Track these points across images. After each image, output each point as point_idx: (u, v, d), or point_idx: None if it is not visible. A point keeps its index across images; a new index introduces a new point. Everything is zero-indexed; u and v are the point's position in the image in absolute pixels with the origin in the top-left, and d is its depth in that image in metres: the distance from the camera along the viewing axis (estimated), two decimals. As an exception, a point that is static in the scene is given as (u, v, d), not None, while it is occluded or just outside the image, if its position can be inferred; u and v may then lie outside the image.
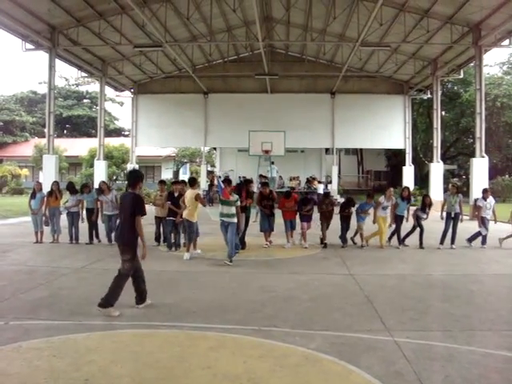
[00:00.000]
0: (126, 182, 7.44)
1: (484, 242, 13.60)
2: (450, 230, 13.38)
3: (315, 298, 7.72)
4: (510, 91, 37.99)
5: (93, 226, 13.58)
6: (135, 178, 7.24)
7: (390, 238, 13.84)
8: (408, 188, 14.42)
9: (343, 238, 13.71)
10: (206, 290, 8.12)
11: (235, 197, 11.00)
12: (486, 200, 13.91)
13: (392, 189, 14.14)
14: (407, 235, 13.76)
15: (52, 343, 5.45)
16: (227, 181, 11.39)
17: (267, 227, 13.33)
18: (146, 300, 7.11)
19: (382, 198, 13.68)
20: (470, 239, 13.77)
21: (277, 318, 6.54)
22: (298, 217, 13.59)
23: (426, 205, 13.63)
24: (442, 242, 13.43)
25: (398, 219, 13.55)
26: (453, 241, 13.37)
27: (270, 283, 8.78)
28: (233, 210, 10.81)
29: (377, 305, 7.25)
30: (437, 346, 5.54)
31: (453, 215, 13.41)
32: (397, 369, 4.86)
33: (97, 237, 13.68)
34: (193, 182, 11.93)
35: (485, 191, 14.28)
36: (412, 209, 13.89)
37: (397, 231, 13.62)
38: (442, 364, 4.98)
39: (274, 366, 4.92)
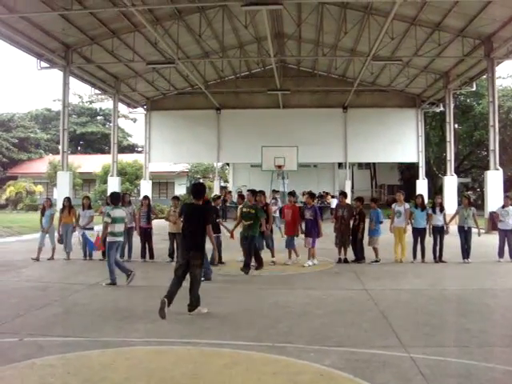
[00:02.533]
0: (191, 195, 8.16)
1: (501, 254, 13.35)
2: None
3: (330, 314, 7.65)
4: (523, 103, 37.78)
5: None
6: (200, 190, 8.07)
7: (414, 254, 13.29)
8: (421, 195, 14.02)
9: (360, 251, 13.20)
10: (219, 306, 8.08)
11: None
12: (503, 208, 13.65)
13: (401, 192, 13.77)
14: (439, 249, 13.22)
15: (66, 360, 5.44)
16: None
17: (261, 246, 12.80)
18: (197, 307, 7.54)
19: (393, 205, 13.55)
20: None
21: (291, 334, 6.49)
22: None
23: (436, 204, 13.40)
24: (463, 257, 13.16)
25: (416, 232, 13.20)
26: (468, 255, 13.12)
27: (284, 299, 8.72)
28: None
29: (392, 320, 7.16)
30: (454, 362, 5.43)
31: (466, 228, 13.19)
32: (413, 386, 4.78)
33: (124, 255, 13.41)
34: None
35: (505, 198, 14.08)
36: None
37: (418, 245, 13.15)
38: (459, 381, 4.88)
39: (288, 382, 4.86)
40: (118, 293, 9.28)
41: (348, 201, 14.63)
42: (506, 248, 13.32)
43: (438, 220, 13.23)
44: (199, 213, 7.76)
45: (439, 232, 13.13)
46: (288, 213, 12.97)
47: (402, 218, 13.16)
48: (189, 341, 6.20)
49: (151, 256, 13.33)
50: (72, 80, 26.44)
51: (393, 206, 13.62)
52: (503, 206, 13.74)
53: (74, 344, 6.03)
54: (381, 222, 13.26)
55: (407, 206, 13.30)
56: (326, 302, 8.56)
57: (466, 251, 13.17)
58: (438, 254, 13.11)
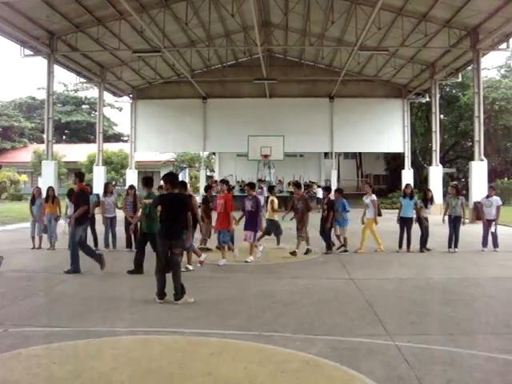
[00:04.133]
0: (166, 184, 8.17)
1: (484, 244, 13.52)
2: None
3: (316, 303, 7.69)
4: (508, 94, 38.08)
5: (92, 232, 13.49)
6: (175, 179, 8.36)
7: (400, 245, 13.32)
8: (409, 185, 14.10)
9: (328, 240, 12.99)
10: (205, 295, 8.08)
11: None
12: (487, 198, 13.82)
13: (369, 183, 13.84)
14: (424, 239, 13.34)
15: (52, 350, 5.41)
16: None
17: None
18: (183, 296, 7.56)
19: (364, 197, 13.56)
20: (495, 244, 13.45)
21: (277, 323, 6.51)
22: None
23: (427, 199, 13.54)
24: (449, 246, 13.26)
25: (402, 222, 13.25)
26: (455, 244, 13.21)
27: (270, 288, 8.75)
28: None
29: (377, 309, 7.22)
30: (438, 350, 5.50)
31: (453, 217, 13.29)
32: (398, 373, 4.83)
33: (96, 245, 13.16)
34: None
35: (489, 188, 14.25)
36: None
37: (404, 235, 13.24)
38: (443, 368, 4.95)
39: (275, 371, 4.89)
40: (103, 282, 9.25)
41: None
42: (490, 237, 13.49)
43: (426, 212, 13.42)
44: (178, 201, 7.91)
45: (406, 222, 13.26)
46: (220, 203, 11.31)
47: (371, 209, 13.13)
48: (175, 330, 6.20)
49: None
50: (57, 68, 26.08)
51: (363, 198, 13.69)
52: (487, 196, 13.90)
53: (60, 334, 5.98)
54: (347, 211, 13.11)
55: (374, 197, 13.24)
56: (312, 291, 8.60)
57: (453, 240, 13.25)
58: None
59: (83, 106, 66.74)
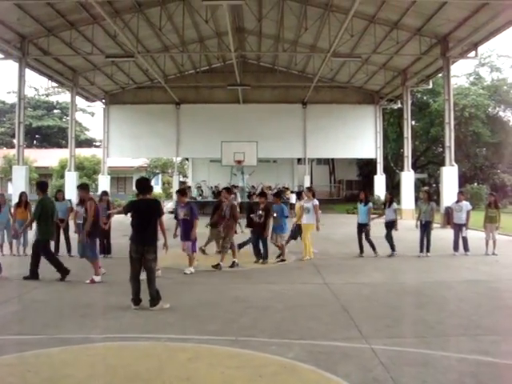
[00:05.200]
0: (137, 190, 8.32)
1: (455, 248, 13.78)
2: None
3: (291, 308, 7.74)
4: (477, 101, 38.78)
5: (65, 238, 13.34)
6: (149, 185, 8.48)
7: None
8: (364, 191, 14.24)
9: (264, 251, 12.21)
10: (180, 301, 8.06)
11: None
12: (457, 203, 14.11)
13: (308, 188, 13.57)
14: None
15: (25, 358, 5.34)
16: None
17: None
18: (159, 302, 7.56)
19: (302, 201, 13.25)
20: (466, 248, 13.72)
21: (253, 328, 6.54)
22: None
23: (385, 201, 13.74)
24: (421, 250, 13.41)
25: (358, 227, 13.37)
26: (427, 249, 13.41)
27: (246, 293, 8.78)
28: None
29: (352, 313, 7.30)
30: (412, 352, 5.61)
31: (423, 222, 13.46)
32: (374, 376, 4.90)
33: (69, 251, 13.13)
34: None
35: (458, 193, 14.52)
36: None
37: (362, 239, 13.38)
38: (418, 370, 5.05)
39: (252, 375, 4.92)
40: (77, 289, 9.13)
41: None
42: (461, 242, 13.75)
43: (387, 215, 13.56)
44: (151, 207, 7.93)
45: (388, 227, 13.46)
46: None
47: (311, 215, 12.73)
48: (151, 336, 6.19)
49: (109, 251, 13.21)
50: (28, 72, 25.70)
51: (302, 202, 13.38)
52: (457, 201, 14.18)
53: (33, 342, 5.90)
54: (286, 217, 12.74)
55: (316, 202, 12.88)
56: (287, 296, 8.65)
57: (424, 245, 13.42)
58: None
59: (55, 111, 65.82)
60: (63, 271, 9.92)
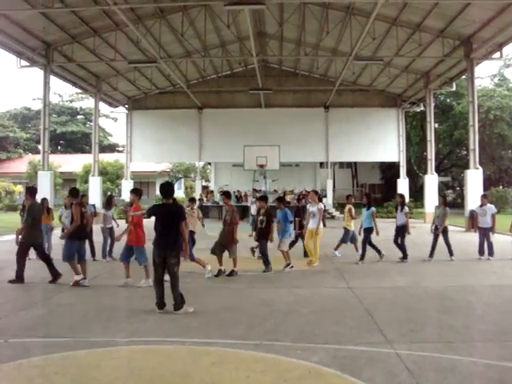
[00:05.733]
0: (161, 195, 8.16)
1: (481, 252, 13.55)
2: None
3: (315, 312, 7.70)
4: (502, 103, 38.24)
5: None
6: (169, 189, 8.20)
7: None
8: (367, 194, 14.06)
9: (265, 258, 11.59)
10: (204, 305, 8.09)
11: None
12: (481, 207, 13.89)
13: (314, 192, 13.24)
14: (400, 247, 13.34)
15: (53, 360, 5.41)
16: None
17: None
18: (183, 306, 7.58)
19: (309, 205, 12.77)
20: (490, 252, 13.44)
21: (278, 332, 6.53)
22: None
23: (397, 204, 13.58)
24: (430, 255, 13.23)
25: (364, 232, 13.02)
26: (450, 253, 13.22)
27: (270, 297, 8.77)
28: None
29: (377, 317, 7.25)
30: (438, 357, 5.53)
31: (438, 227, 13.25)
32: (400, 381, 4.85)
33: (93, 255, 13.25)
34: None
35: (482, 197, 14.29)
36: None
37: (364, 242, 13.04)
38: (444, 375, 4.98)
39: (277, 380, 4.90)
40: (102, 293, 9.23)
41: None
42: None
43: (398, 219, 13.37)
44: (173, 211, 7.91)
45: (398, 231, 13.27)
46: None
47: (316, 219, 12.19)
48: (176, 340, 6.20)
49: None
50: (52, 79, 26.14)
51: (308, 206, 12.89)
52: (481, 205, 13.97)
53: (60, 344, 5.98)
54: (291, 222, 12.30)
55: (321, 206, 12.43)
56: (311, 300, 8.62)
57: (434, 249, 13.23)
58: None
59: (78, 117, 66.62)
60: (55, 274, 10.25)
